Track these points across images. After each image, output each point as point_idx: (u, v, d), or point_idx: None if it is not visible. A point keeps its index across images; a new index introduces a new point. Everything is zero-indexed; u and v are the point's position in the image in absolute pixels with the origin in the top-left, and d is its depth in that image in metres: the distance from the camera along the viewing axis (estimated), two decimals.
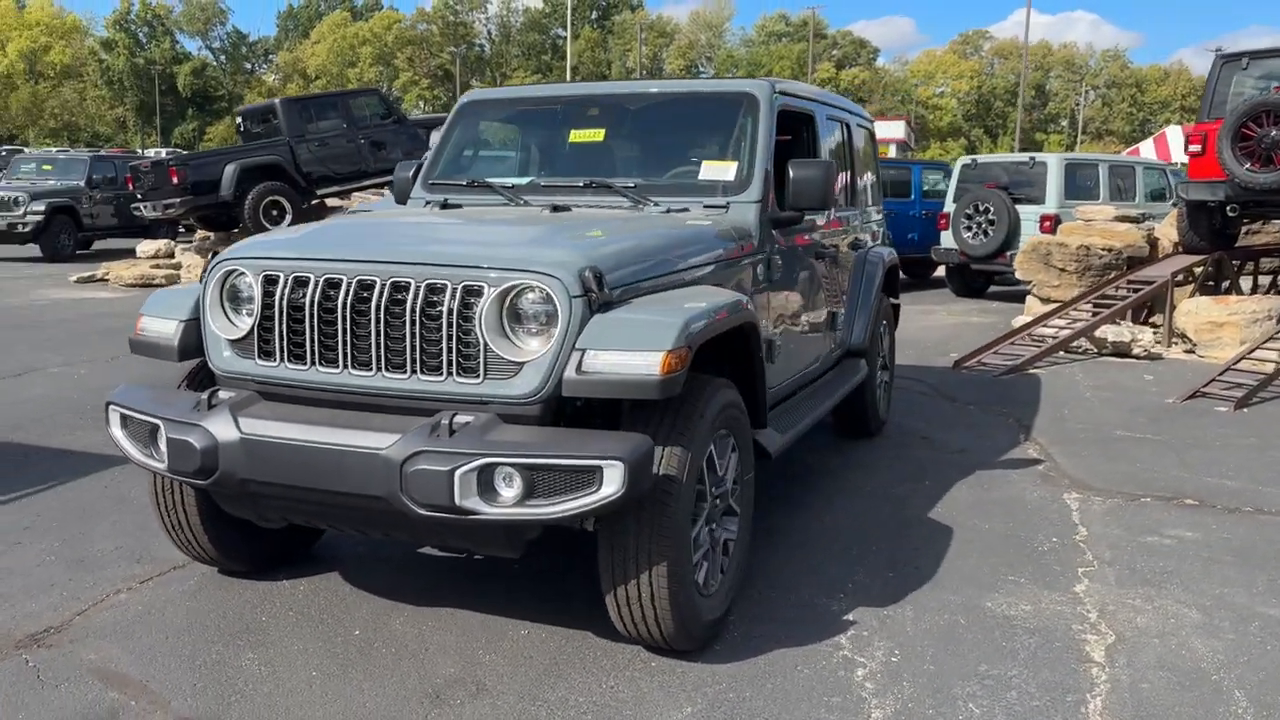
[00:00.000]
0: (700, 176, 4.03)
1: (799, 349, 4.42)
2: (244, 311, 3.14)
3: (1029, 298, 10.40)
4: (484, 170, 4.46)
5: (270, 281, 3.06)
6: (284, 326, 3.04)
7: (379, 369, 2.93)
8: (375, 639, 3.21)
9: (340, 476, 2.77)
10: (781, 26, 77.00)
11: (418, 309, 2.87)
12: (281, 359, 3.06)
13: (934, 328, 10.49)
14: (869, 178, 5.84)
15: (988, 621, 3.39)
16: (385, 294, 2.90)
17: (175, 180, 13.38)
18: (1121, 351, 8.65)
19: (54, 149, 34.01)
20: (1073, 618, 3.43)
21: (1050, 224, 11.71)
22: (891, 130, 47.16)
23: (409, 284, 2.88)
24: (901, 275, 6.95)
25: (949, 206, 12.88)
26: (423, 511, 2.67)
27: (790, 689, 2.92)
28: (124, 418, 3.13)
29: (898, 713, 2.80)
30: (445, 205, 4.21)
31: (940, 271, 14.40)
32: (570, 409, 2.99)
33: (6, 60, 64.44)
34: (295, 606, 3.44)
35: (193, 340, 3.25)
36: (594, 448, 2.63)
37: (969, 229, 12.40)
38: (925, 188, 14.23)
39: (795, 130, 4.78)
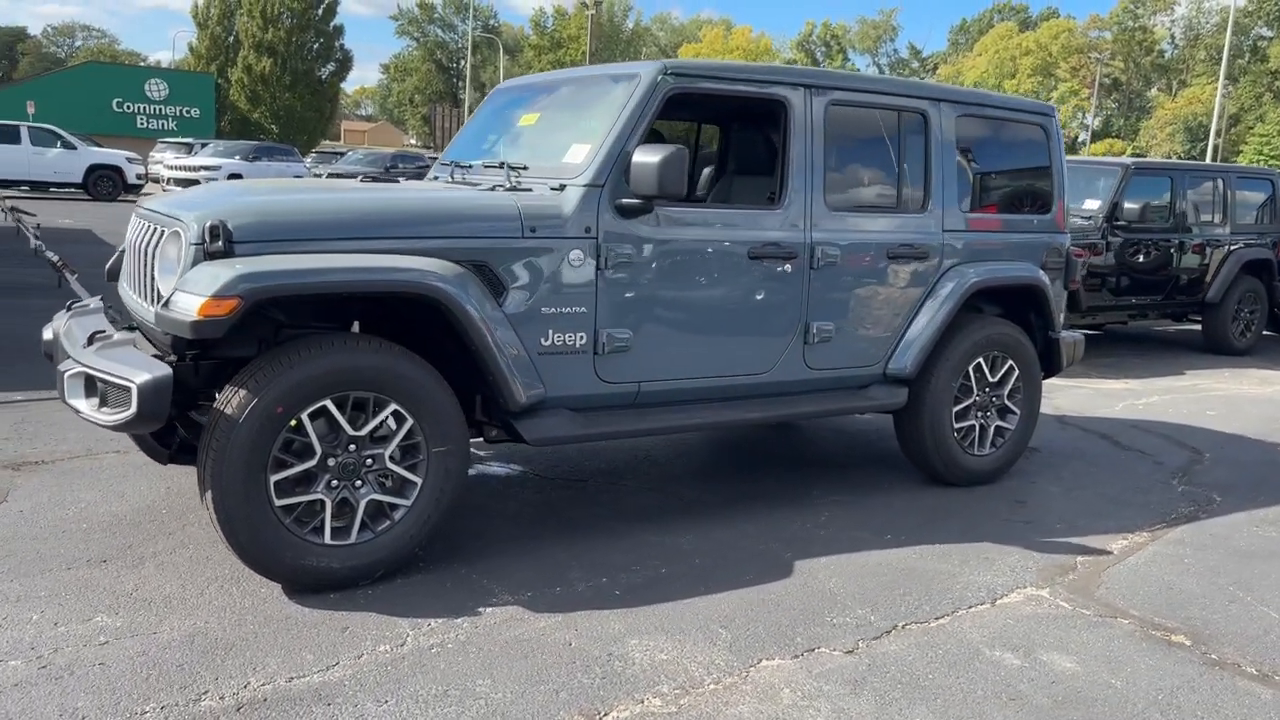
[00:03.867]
0: (563, 159, 4.00)
1: (686, 351, 4.07)
2: None
3: None
4: (478, 151, 4.82)
5: (135, 225, 3.97)
6: (126, 259, 3.94)
7: (143, 296, 3.67)
8: (156, 521, 3.95)
9: None
10: None
11: (152, 248, 3.55)
12: (124, 283, 3.96)
13: None
14: (981, 180, 4.88)
15: (591, 653, 3.02)
16: (152, 235, 3.63)
17: None
18: None
19: None
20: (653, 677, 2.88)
21: None
22: None
23: (155, 228, 3.59)
24: None
25: None
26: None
27: (276, 640, 3.02)
28: None
29: (330, 680, 2.79)
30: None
31: None
32: None
33: None
34: (148, 480, 4.30)
35: (116, 269, 4.30)
36: (128, 371, 3.08)
37: None
38: None
39: (773, 119, 4.36)
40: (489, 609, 3.30)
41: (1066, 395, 7.47)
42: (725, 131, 5.07)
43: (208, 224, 3.22)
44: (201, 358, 3.38)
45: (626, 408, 4.02)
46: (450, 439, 3.49)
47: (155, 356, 3.29)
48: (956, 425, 4.83)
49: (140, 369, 3.09)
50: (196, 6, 49.67)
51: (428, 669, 2.90)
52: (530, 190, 3.91)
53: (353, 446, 3.35)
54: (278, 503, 3.24)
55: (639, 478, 4.85)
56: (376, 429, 3.39)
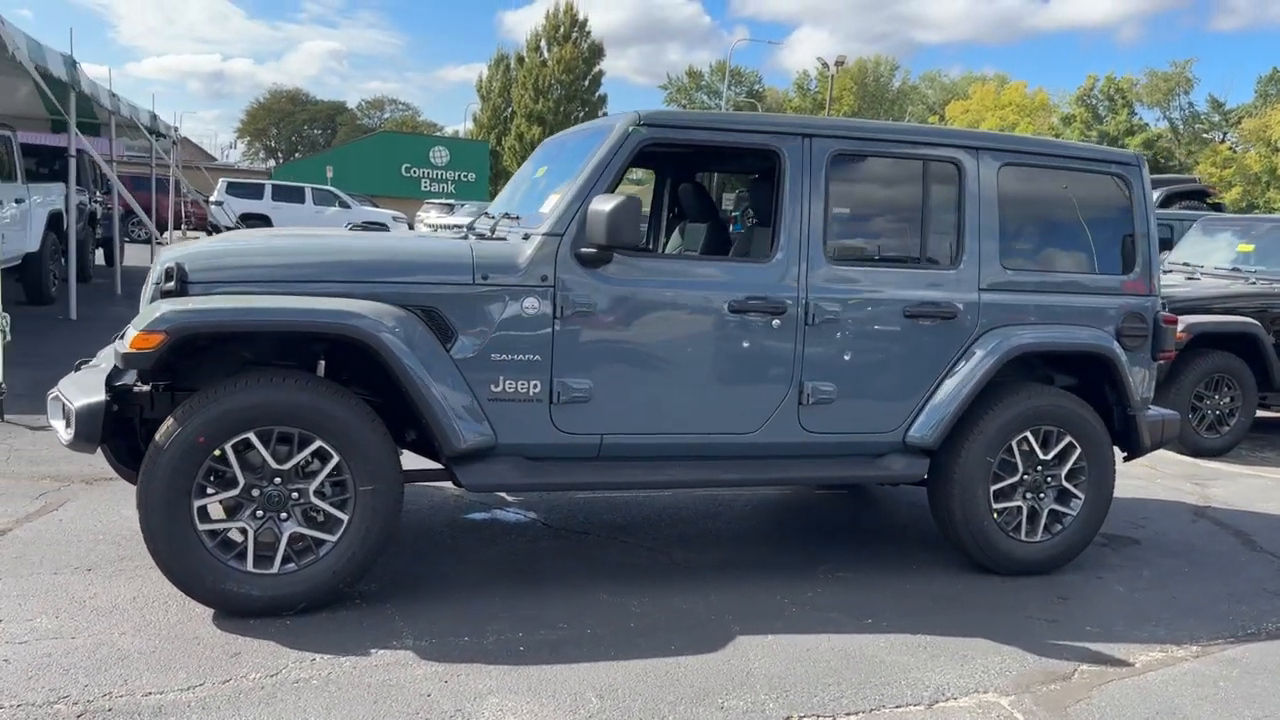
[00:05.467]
0: (540, 209, 4.03)
1: (655, 405, 3.92)
2: None
3: None
4: (508, 202, 4.92)
5: None
6: None
7: None
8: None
9: None
10: None
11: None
12: None
13: None
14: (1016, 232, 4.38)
15: (441, 706, 2.96)
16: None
17: None
18: None
19: None
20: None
21: None
22: None
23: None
24: None
25: None
26: None
27: (168, 658, 3.17)
28: None
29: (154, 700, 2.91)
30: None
31: None
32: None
33: None
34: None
35: None
36: (75, 396, 3.39)
37: None
38: None
39: (768, 168, 4.19)
40: (382, 651, 3.31)
41: (1231, 484, 6.52)
42: (749, 183, 4.93)
43: (169, 266, 3.51)
44: (174, 388, 3.67)
45: (589, 460, 3.94)
46: (378, 479, 3.55)
47: (119, 385, 3.58)
48: (996, 506, 4.32)
49: (82, 395, 3.39)
50: (481, 80, 54.27)
51: (276, 700, 2.94)
52: (503, 239, 3.97)
53: (278, 480, 3.49)
54: (201, 527, 3.43)
55: (644, 535, 4.70)
56: (306, 465, 3.53)
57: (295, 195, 27.07)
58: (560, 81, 48.91)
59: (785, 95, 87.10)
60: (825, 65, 42.99)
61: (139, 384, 3.62)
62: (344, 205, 27.44)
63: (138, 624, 3.41)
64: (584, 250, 3.77)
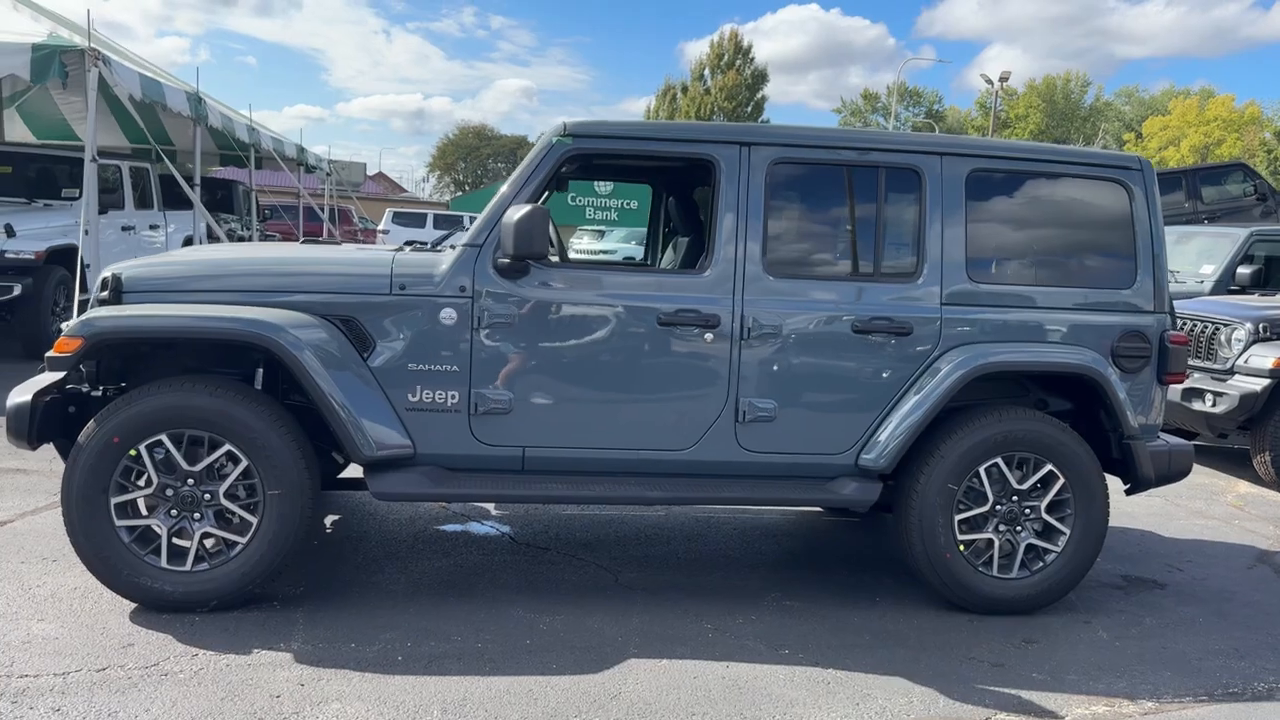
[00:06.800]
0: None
1: (581, 419, 3.85)
2: None
3: None
4: None
5: None
6: None
7: None
8: None
9: None
10: None
11: None
12: None
13: None
14: (965, 242, 4.02)
15: (281, 709, 2.99)
16: None
17: None
18: None
19: None
20: None
21: None
22: None
23: None
24: None
25: None
26: None
27: (66, 644, 3.34)
28: None
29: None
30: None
31: None
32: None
33: (1178, 155, 67.88)
34: None
35: None
36: (14, 396, 3.64)
37: None
38: None
39: (707, 179, 4.07)
40: (265, 651, 3.37)
41: None
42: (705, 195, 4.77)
43: (103, 277, 3.73)
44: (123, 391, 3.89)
45: (513, 472, 3.90)
46: (285, 484, 3.62)
47: (71, 389, 3.82)
48: (962, 538, 3.99)
49: (16, 396, 3.64)
50: (649, 111, 55.15)
51: (135, 689, 3.05)
52: (437, 252, 4.01)
53: (191, 481, 3.63)
54: (119, 523, 3.59)
55: (605, 554, 4.59)
56: (220, 468, 3.65)
57: (455, 224, 28.26)
58: (722, 109, 49.06)
59: (967, 114, 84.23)
60: (990, 82, 41.23)
61: (93, 389, 3.86)
62: None
63: (61, 612, 3.61)
64: (501, 260, 3.76)
